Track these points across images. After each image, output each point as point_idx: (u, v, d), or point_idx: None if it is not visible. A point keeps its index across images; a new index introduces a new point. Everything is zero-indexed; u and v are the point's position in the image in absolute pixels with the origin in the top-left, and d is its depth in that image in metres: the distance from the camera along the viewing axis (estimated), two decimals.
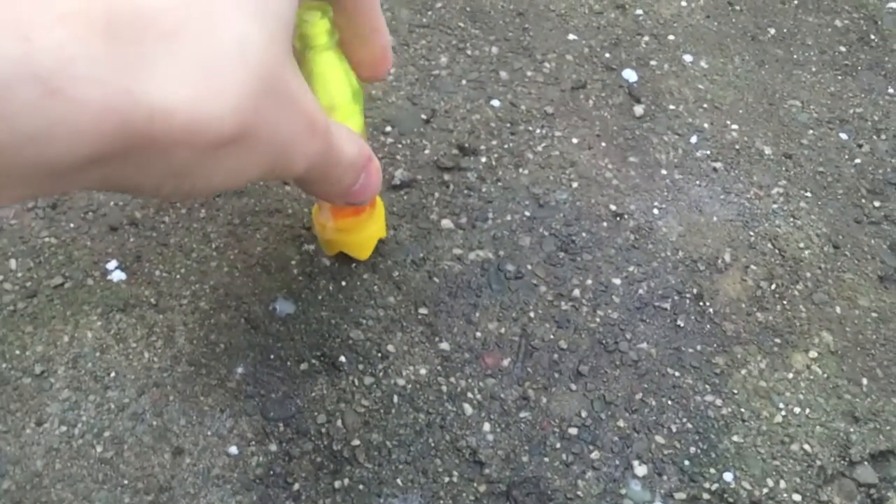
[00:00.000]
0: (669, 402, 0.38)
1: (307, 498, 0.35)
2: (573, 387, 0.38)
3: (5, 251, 0.41)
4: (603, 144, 0.47)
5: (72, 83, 0.17)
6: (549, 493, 0.35)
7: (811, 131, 0.49)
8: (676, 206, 0.45)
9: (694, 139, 0.48)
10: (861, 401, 0.38)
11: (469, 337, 0.39)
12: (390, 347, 0.39)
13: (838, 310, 0.41)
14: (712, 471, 0.36)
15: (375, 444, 0.36)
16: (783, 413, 0.38)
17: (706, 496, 0.35)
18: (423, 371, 0.38)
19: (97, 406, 0.36)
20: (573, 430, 0.37)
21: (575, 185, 0.45)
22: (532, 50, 0.52)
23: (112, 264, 0.41)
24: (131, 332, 0.39)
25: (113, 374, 0.37)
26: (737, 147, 0.48)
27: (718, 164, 0.47)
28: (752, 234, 0.44)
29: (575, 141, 0.47)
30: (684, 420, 0.37)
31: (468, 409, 0.37)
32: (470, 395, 0.38)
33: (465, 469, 0.36)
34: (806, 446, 0.37)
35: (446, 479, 0.35)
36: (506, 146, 0.47)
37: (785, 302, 0.42)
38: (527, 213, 0.44)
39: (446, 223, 0.43)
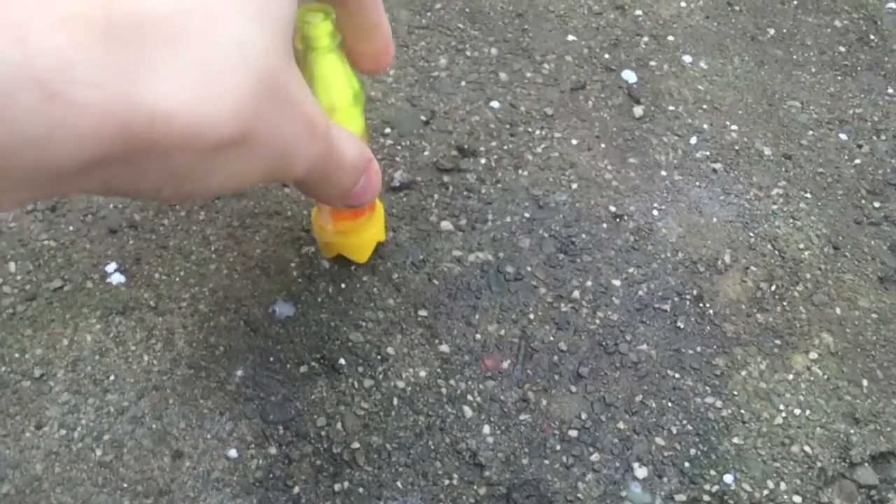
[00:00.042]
0: (669, 404, 0.38)
1: (307, 501, 0.35)
2: (573, 389, 0.38)
3: (4, 254, 0.41)
4: (602, 145, 0.47)
5: (71, 87, 0.17)
6: (550, 496, 0.35)
7: (811, 132, 0.49)
8: (676, 208, 0.45)
9: (693, 140, 0.48)
10: (861, 402, 0.38)
11: (469, 339, 0.39)
12: (390, 350, 0.39)
13: (838, 311, 0.41)
14: (712, 472, 0.36)
15: (375, 447, 0.36)
16: (783, 414, 0.38)
17: (706, 498, 0.35)
18: (422, 373, 0.38)
19: (97, 409, 0.36)
20: (573, 433, 0.37)
21: (574, 186, 0.45)
22: (531, 51, 0.52)
23: (111, 267, 0.41)
24: (131, 334, 0.39)
25: (112, 378, 0.37)
26: (736, 148, 0.48)
27: (718, 165, 0.47)
28: (751, 235, 0.44)
29: (574, 142, 0.47)
30: (684, 422, 0.37)
31: (468, 411, 0.37)
32: (470, 397, 0.38)
33: (465, 471, 0.36)
34: (806, 448, 0.37)
35: (446, 482, 0.35)
36: (505, 147, 0.47)
37: (785, 303, 0.41)
38: (526, 215, 0.44)
39: (446, 225, 0.43)
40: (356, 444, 0.36)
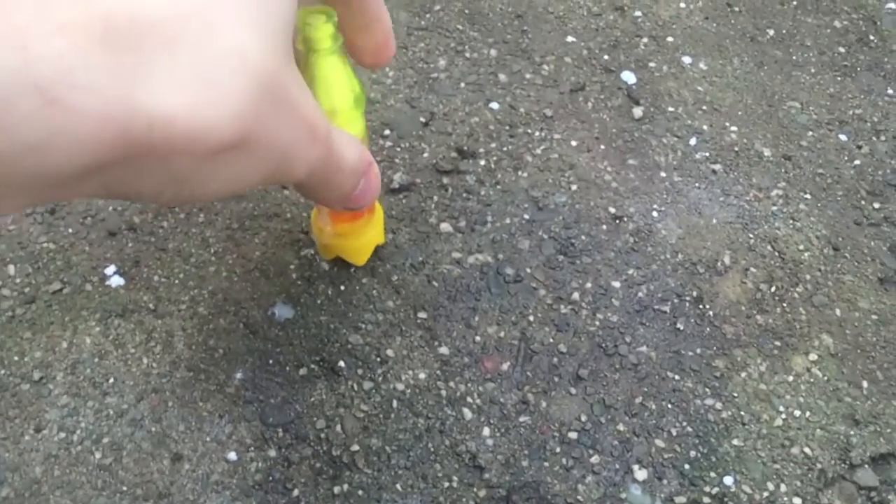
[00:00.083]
0: (669, 406, 0.38)
1: (306, 503, 0.35)
2: (573, 391, 0.38)
3: (3, 257, 0.41)
4: (602, 147, 0.47)
5: (71, 93, 0.17)
6: (549, 498, 0.35)
7: (810, 133, 0.49)
8: (676, 209, 0.45)
9: (693, 141, 0.48)
10: (861, 403, 0.38)
11: (468, 341, 0.39)
12: (389, 352, 0.39)
13: (838, 312, 0.41)
14: (712, 475, 0.36)
15: (375, 450, 0.36)
16: (783, 416, 0.38)
17: (706, 500, 0.35)
18: (422, 375, 0.38)
19: (96, 412, 0.36)
20: (573, 435, 0.37)
21: (574, 187, 0.45)
22: (531, 52, 0.52)
23: (111, 269, 0.41)
24: (130, 337, 0.39)
25: (112, 380, 0.37)
26: (736, 149, 0.48)
27: (718, 166, 0.47)
28: (751, 236, 0.44)
29: (574, 143, 0.47)
30: (684, 424, 0.37)
31: (468, 413, 0.37)
32: (469, 399, 0.38)
33: (465, 474, 0.36)
34: (806, 449, 0.37)
35: (446, 485, 0.35)
36: (505, 149, 0.47)
37: (785, 304, 0.41)
38: (526, 216, 0.44)
39: (445, 227, 0.43)
40: (356, 447, 0.36)
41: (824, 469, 0.36)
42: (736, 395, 0.38)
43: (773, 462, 0.36)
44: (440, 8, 0.54)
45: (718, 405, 0.38)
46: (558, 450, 0.36)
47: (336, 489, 0.35)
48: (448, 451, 0.36)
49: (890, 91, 0.52)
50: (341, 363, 0.38)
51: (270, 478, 0.35)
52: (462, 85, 0.50)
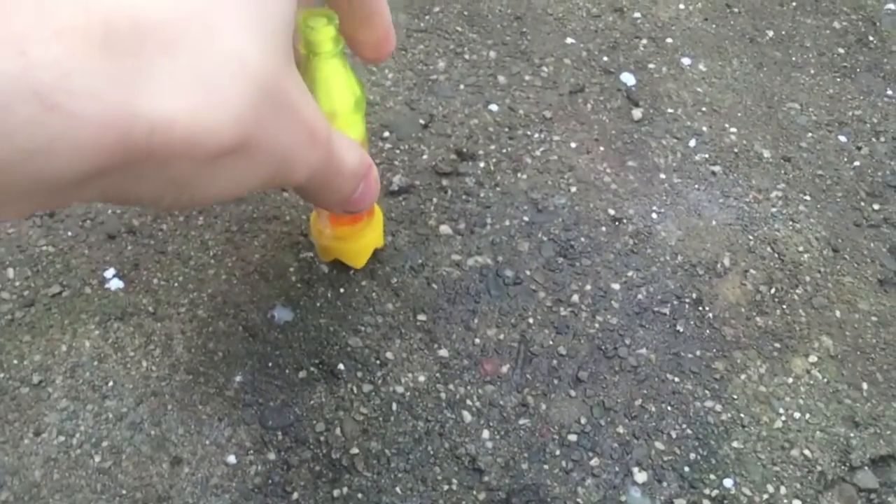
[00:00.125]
0: (669, 408, 0.38)
1: None
2: (572, 393, 0.38)
3: (3, 260, 0.41)
4: (601, 148, 0.47)
5: (70, 98, 0.17)
6: (549, 501, 0.35)
7: (810, 134, 0.49)
8: (675, 211, 0.45)
9: (692, 143, 0.48)
10: (861, 405, 0.38)
11: (468, 343, 0.39)
12: (389, 354, 0.39)
13: (838, 314, 0.41)
14: (712, 477, 0.36)
15: (374, 453, 0.36)
16: (783, 418, 0.38)
17: (706, 502, 0.35)
18: (421, 378, 0.38)
19: (95, 415, 0.36)
20: (573, 437, 0.37)
21: (573, 189, 0.45)
22: (530, 54, 0.52)
23: (110, 272, 0.41)
24: (129, 340, 0.39)
25: (111, 384, 0.37)
26: (735, 150, 0.48)
27: (717, 168, 0.47)
28: (751, 237, 0.44)
29: (573, 145, 0.47)
30: (684, 426, 0.37)
31: (467, 416, 0.37)
32: (469, 402, 0.38)
33: (465, 477, 0.36)
34: (806, 451, 0.37)
35: (445, 487, 0.35)
36: (504, 151, 0.47)
37: (784, 306, 0.41)
38: (525, 219, 0.44)
39: (444, 229, 0.43)
40: (355, 450, 0.36)
41: (824, 471, 0.36)
42: (736, 397, 0.38)
43: (772, 464, 0.36)
44: (439, 10, 0.54)
45: (718, 407, 0.38)
46: (558, 452, 0.36)
47: (335, 492, 0.35)
48: (448, 453, 0.36)
49: (889, 92, 0.52)
50: (341, 366, 0.38)
51: (270, 481, 0.35)
52: (461, 87, 0.50)
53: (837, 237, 0.44)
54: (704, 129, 0.49)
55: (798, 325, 0.41)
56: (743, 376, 0.39)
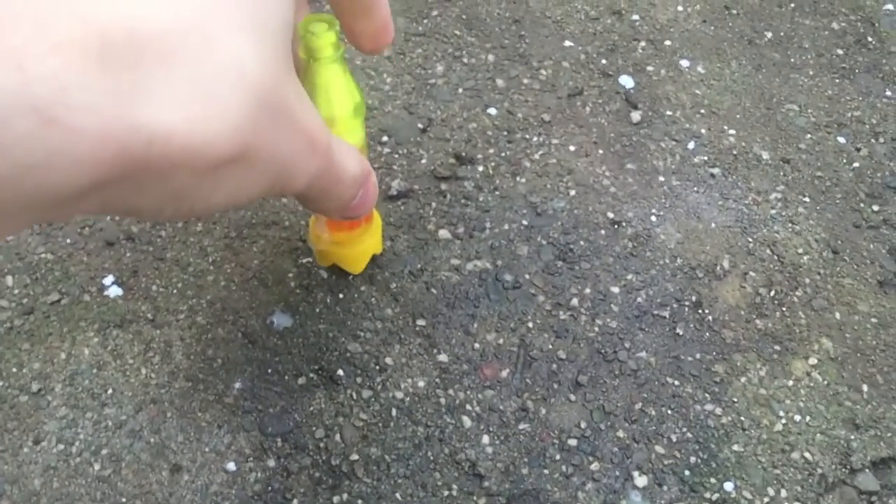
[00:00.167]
0: (669, 412, 0.38)
1: None
2: (572, 397, 0.38)
3: (1, 268, 0.41)
4: (600, 151, 0.47)
5: (68, 112, 0.17)
6: None
7: (809, 135, 0.49)
8: (674, 213, 0.45)
9: (691, 145, 0.48)
10: (862, 407, 0.38)
11: (467, 348, 0.39)
12: (388, 360, 0.39)
13: (838, 316, 0.41)
14: (713, 480, 0.36)
15: (374, 459, 0.36)
16: (783, 421, 0.38)
17: None
18: (421, 383, 0.38)
19: (94, 423, 0.36)
20: (573, 442, 0.37)
21: (572, 192, 0.45)
22: (528, 57, 0.52)
23: (109, 280, 0.41)
24: (128, 348, 0.39)
25: (110, 391, 0.37)
26: (734, 152, 0.48)
27: (716, 170, 0.47)
28: (750, 240, 0.44)
29: (572, 148, 0.47)
30: (684, 429, 0.37)
31: (467, 421, 0.37)
32: (469, 407, 0.37)
33: (465, 482, 0.35)
34: (807, 454, 0.37)
35: (445, 493, 0.35)
36: (503, 155, 0.47)
37: (784, 308, 0.41)
38: (524, 222, 0.44)
39: (443, 233, 0.43)
40: (355, 456, 0.36)
41: (825, 474, 0.36)
42: (736, 400, 0.38)
43: (773, 467, 0.36)
44: (438, 13, 0.54)
45: (718, 410, 0.38)
46: (558, 457, 0.36)
47: (335, 499, 0.35)
48: (448, 459, 0.36)
49: (888, 93, 0.52)
50: (340, 372, 0.38)
51: (269, 488, 0.35)
52: (460, 91, 0.50)
53: (837, 239, 0.44)
54: (703, 131, 0.49)
55: (798, 327, 0.41)
56: (743, 379, 0.39)
